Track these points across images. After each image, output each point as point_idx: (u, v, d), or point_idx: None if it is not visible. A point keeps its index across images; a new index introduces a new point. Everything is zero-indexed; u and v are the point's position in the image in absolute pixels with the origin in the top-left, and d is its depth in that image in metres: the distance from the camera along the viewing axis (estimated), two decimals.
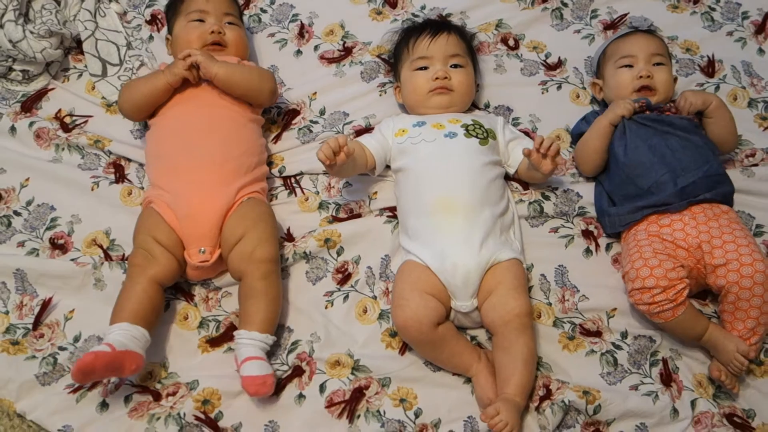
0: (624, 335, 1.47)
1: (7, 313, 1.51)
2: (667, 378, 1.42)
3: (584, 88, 1.81)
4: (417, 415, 1.39)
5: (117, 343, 1.32)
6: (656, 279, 1.37)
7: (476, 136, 1.56)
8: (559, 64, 1.85)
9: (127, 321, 1.36)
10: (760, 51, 1.86)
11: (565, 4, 1.94)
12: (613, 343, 1.46)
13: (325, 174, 1.68)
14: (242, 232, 1.46)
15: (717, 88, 1.79)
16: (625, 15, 1.90)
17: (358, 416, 1.39)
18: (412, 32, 1.71)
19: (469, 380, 1.42)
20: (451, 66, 1.65)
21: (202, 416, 1.37)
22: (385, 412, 1.39)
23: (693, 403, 1.39)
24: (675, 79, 1.70)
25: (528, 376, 1.36)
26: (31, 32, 1.73)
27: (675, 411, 1.38)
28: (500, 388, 1.35)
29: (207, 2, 1.72)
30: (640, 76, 1.62)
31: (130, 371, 1.33)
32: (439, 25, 1.70)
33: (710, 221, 1.45)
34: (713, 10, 1.93)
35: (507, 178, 1.64)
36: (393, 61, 1.77)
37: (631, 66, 1.65)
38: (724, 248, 1.40)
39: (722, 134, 1.59)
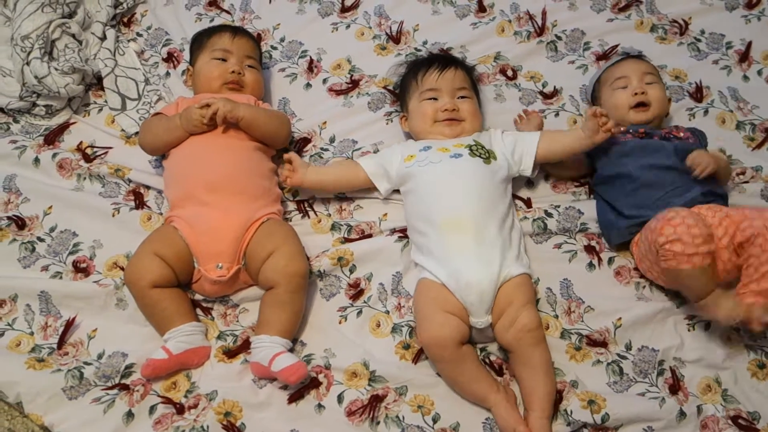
0: (628, 346, 1.52)
1: (32, 334, 1.55)
2: (675, 386, 1.46)
3: (581, 115, 1.90)
4: (435, 420, 1.42)
5: (174, 348, 1.45)
6: (696, 227, 1.38)
7: (480, 156, 1.63)
8: (555, 93, 1.94)
9: (173, 326, 1.47)
10: (745, 77, 1.96)
11: (559, 38, 2.04)
12: (618, 354, 1.51)
13: (337, 198, 1.75)
14: (272, 248, 1.52)
15: (706, 112, 1.88)
16: (616, 46, 2.00)
17: (378, 423, 1.42)
18: (420, 66, 1.78)
19: None
20: (458, 98, 1.73)
21: (229, 426, 1.40)
22: (404, 418, 1.43)
23: (699, 408, 1.44)
24: (669, 100, 1.79)
25: (551, 384, 1.43)
26: (56, 69, 1.82)
27: (682, 414, 1.42)
28: (526, 402, 1.42)
29: (232, 43, 1.80)
30: (635, 93, 1.71)
31: (199, 364, 1.49)
32: (447, 61, 1.78)
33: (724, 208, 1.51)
34: (699, 41, 2.04)
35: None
36: (399, 92, 1.85)
37: (625, 87, 1.74)
38: (750, 215, 1.43)
39: (723, 179, 1.67)
